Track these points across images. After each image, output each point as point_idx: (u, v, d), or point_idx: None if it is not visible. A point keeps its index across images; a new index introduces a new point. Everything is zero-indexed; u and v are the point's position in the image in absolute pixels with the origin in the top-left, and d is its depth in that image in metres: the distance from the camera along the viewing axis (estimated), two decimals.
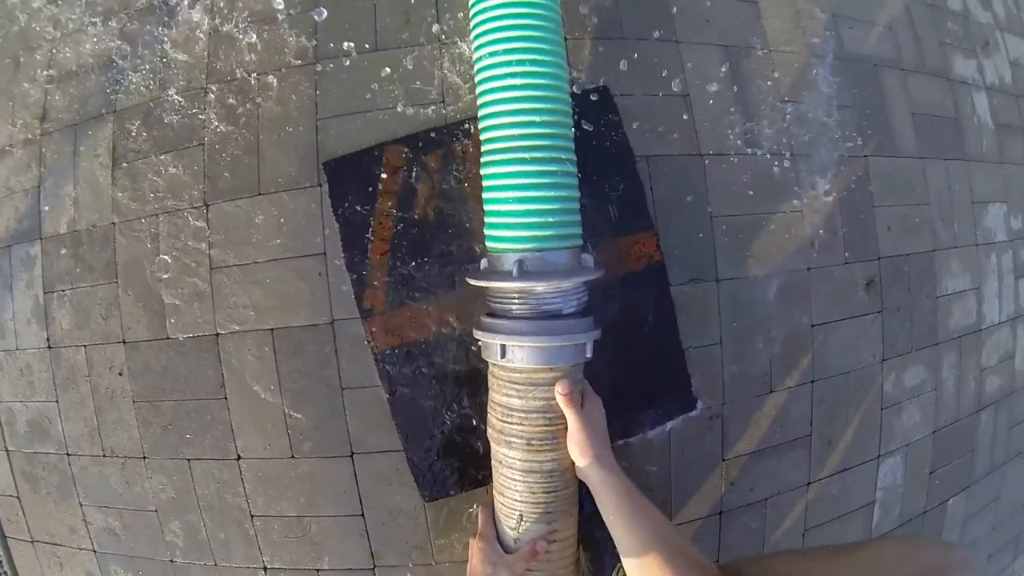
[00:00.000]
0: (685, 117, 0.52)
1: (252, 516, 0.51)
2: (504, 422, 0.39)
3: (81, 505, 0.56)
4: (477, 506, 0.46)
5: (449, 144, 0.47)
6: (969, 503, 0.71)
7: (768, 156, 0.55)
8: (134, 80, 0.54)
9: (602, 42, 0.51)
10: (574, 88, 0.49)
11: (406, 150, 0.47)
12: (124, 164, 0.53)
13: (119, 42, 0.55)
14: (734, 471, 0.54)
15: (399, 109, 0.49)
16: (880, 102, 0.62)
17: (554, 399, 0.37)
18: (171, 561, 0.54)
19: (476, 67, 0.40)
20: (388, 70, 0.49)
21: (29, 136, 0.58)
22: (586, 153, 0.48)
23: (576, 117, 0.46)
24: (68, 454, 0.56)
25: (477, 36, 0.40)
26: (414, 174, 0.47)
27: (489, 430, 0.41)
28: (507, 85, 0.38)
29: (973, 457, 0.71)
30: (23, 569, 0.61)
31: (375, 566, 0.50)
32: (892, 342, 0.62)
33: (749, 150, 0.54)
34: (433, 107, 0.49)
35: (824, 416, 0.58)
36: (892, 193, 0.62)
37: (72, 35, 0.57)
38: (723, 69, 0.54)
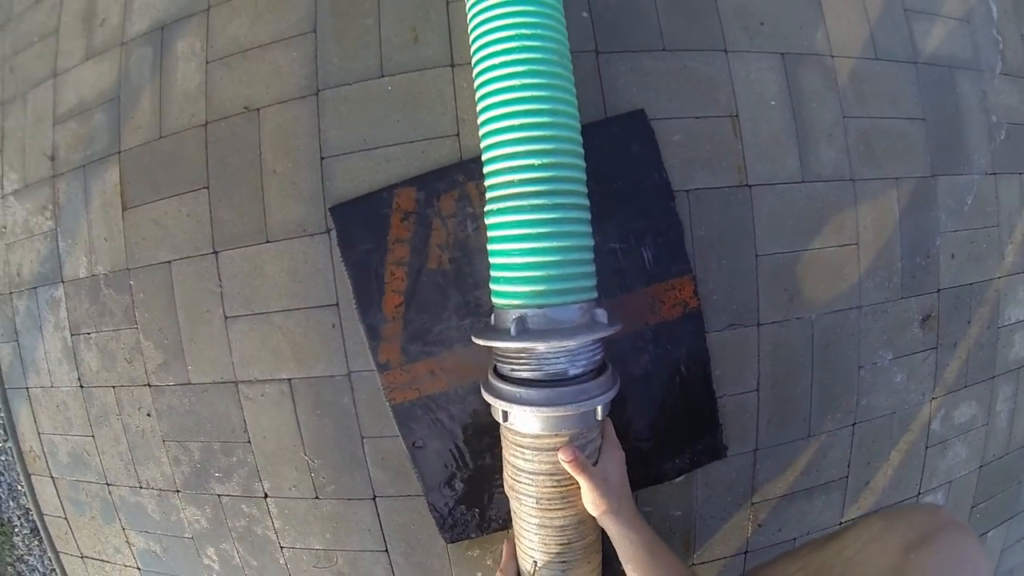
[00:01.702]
0: (733, 142, 0.44)
1: (282, 547, 0.50)
2: (515, 480, 0.36)
3: (123, 529, 0.56)
4: (503, 542, 0.43)
5: (464, 184, 0.41)
6: (1010, 533, 0.64)
7: (825, 183, 0.46)
8: (134, 118, 0.49)
9: (637, 56, 0.43)
10: (606, 112, 0.42)
11: (417, 191, 0.41)
12: (132, 208, 0.49)
13: (117, 77, 0.50)
14: (763, 513, 0.49)
15: (409, 143, 0.42)
16: (954, 111, 0.51)
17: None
18: None
19: (477, 106, 0.35)
20: (395, 98, 0.43)
21: (42, 176, 0.54)
22: (616, 189, 0.41)
23: (606, 147, 0.39)
24: (108, 483, 0.56)
25: (476, 75, 0.34)
26: (427, 219, 0.41)
27: (504, 483, 0.38)
28: (503, 127, 0.33)
29: (1020, 489, 0.63)
30: None
31: None
32: (944, 379, 0.54)
33: (804, 177, 0.45)
34: (447, 140, 0.42)
35: (863, 458, 0.52)
36: (959, 216, 0.52)
37: (72, 71, 0.53)
38: (779, 81, 0.45)
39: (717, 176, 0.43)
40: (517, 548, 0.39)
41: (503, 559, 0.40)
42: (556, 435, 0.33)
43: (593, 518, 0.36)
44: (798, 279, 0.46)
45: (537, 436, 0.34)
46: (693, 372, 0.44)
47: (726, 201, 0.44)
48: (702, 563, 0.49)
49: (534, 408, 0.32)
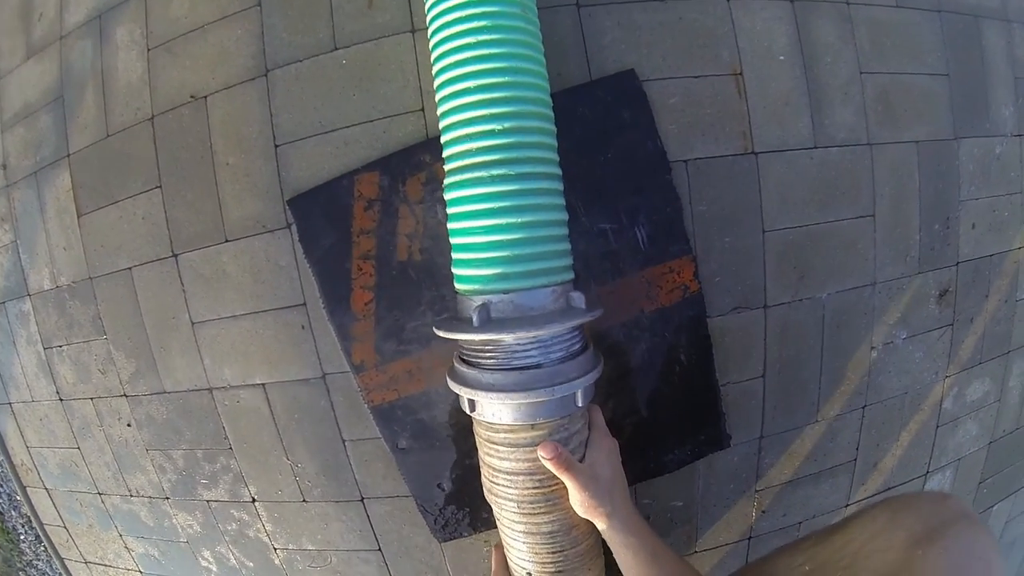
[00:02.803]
0: (737, 103, 0.37)
1: (275, 548, 0.47)
2: (492, 482, 0.31)
3: (121, 535, 0.54)
4: (491, 547, 0.39)
5: (431, 166, 0.35)
6: (1016, 505, 0.60)
7: (839, 148, 0.39)
8: (80, 116, 0.43)
9: (625, 8, 0.36)
10: (591, 74, 0.35)
11: (381, 176, 0.36)
12: (86, 214, 0.44)
13: (59, 74, 0.44)
14: (767, 500, 0.45)
15: (369, 123, 0.36)
16: (978, 66, 0.44)
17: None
18: None
19: (432, 69, 0.29)
20: (351, 73, 0.36)
21: None
22: (605, 162, 0.34)
23: (592, 113, 0.33)
24: (99, 493, 0.53)
25: (430, 35, 0.28)
26: (392, 206, 0.36)
27: (483, 486, 0.32)
28: (458, 91, 0.27)
29: None
30: None
31: None
32: (959, 356, 0.48)
33: (817, 142, 0.39)
34: (410, 116, 0.36)
35: (872, 440, 0.47)
36: (981, 183, 0.45)
37: (14, 72, 0.47)
38: (789, 33, 0.37)
39: (720, 143, 0.37)
40: (507, 558, 0.34)
41: (492, 569, 0.36)
42: (532, 427, 0.27)
43: (582, 524, 0.31)
44: (809, 256, 0.40)
45: (511, 428, 0.28)
46: (694, 361, 0.38)
47: (730, 171, 0.37)
48: (705, 550, 0.45)
49: (503, 395, 0.26)
